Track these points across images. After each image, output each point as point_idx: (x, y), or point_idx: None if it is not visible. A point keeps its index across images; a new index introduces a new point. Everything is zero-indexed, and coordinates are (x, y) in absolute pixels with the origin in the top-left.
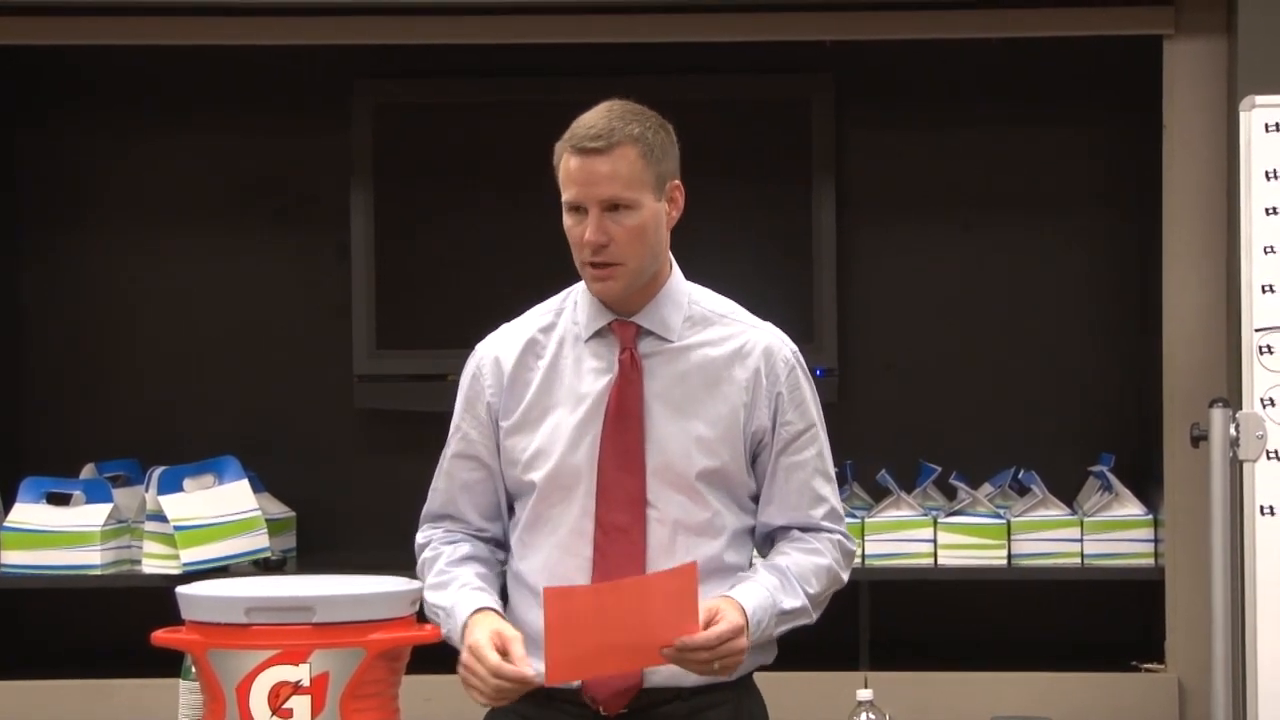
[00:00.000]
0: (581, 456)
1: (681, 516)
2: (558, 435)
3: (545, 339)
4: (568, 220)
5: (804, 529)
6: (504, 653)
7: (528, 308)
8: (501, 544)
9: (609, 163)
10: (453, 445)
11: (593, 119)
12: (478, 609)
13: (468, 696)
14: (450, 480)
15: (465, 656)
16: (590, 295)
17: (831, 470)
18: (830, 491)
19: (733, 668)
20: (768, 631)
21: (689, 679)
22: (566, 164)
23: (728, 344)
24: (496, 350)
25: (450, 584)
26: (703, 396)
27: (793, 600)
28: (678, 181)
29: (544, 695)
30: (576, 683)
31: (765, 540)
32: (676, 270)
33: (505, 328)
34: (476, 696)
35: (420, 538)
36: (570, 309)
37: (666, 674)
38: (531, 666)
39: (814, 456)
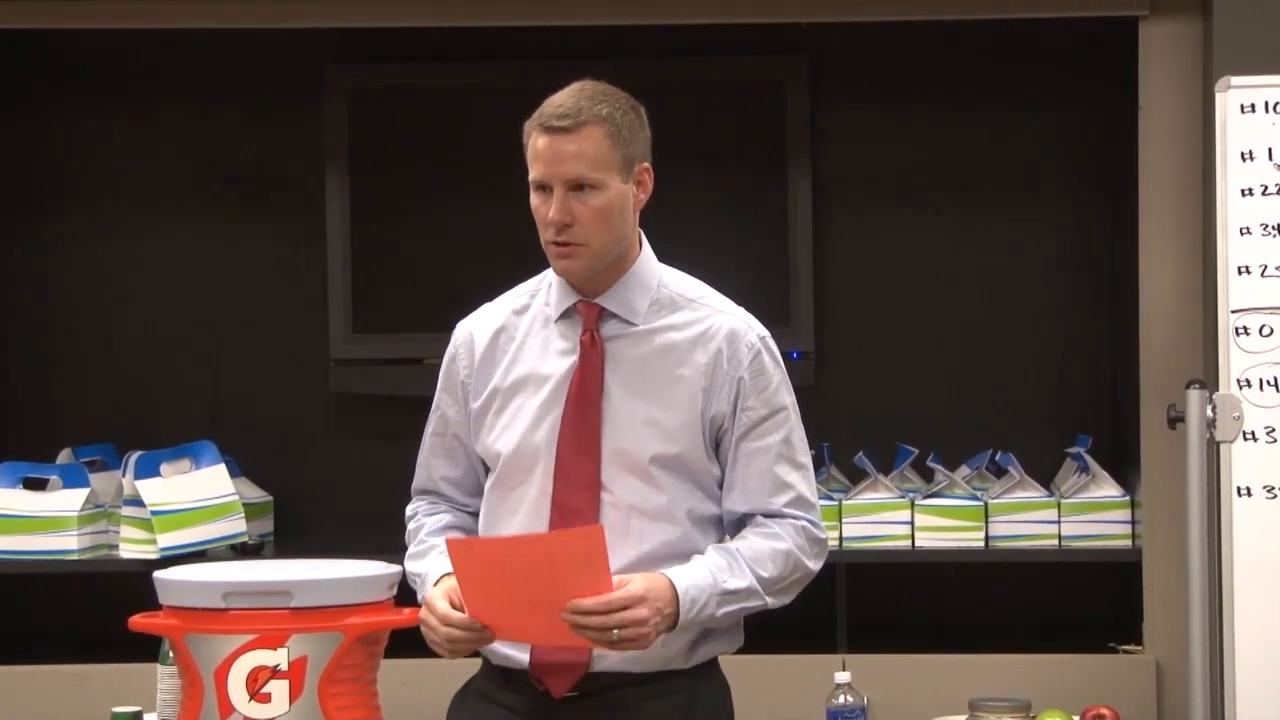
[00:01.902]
0: (541, 437)
1: (636, 501)
2: (521, 415)
3: (518, 320)
4: (534, 199)
5: (767, 515)
6: (458, 607)
7: (503, 291)
8: None
9: (575, 142)
10: (432, 424)
11: (562, 98)
12: (446, 573)
13: (437, 685)
14: (430, 457)
15: (422, 612)
16: (560, 276)
17: (801, 456)
18: (798, 478)
19: (637, 640)
20: (708, 611)
21: (640, 664)
22: (534, 142)
23: (692, 328)
24: (472, 330)
25: (429, 553)
26: (662, 381)
27: (738, 581)
28: (647, 165)
29: (502, 676)
30: (525, 663)
31: (734, 527)
32: (647, 253)
33: (484, 308)
34: (435, 648)
35: (409, 510)
36: (544, 290)
37: (615, 659)
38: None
39: (778, 443)
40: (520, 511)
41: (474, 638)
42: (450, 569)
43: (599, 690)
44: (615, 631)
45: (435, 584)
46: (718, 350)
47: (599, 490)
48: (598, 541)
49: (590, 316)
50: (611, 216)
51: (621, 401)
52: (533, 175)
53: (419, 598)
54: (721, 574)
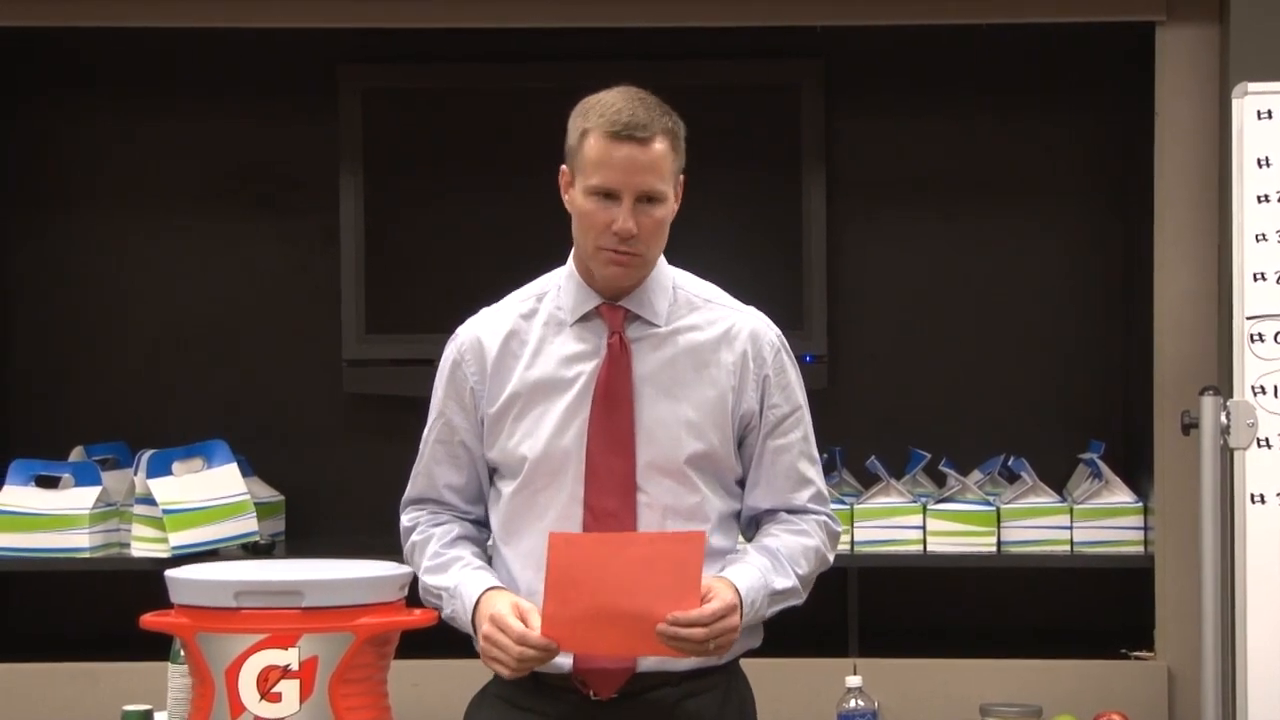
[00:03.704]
0: (570, 441)
1: (671, 501)
2: (545, 420)
3: (528, 324)
4: (590, 204)
5: (790, 511)
6: (524, 623)
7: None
8: (485, 524)
9: (650, 153)
10: (435, 431)
11: (627, 106)
12: (490, 587)
13: (448, 686)
14: (433, 465)
15: (488, 629)
16: (576, 279)
17: (816, 453)
18: (816, 474)
19: (727, 647)
20: (760, 612)
21: (680, 663)
22: (601, 149)
23: (714, 328)
24: (479, 335)
25: (450, 565)
26: (691, 380)
27: (784, 580)
28: (683, 176)
29: (532, 681)
30: (567, 667)
31: (750, 523)
32: (661, 256)
33: (486, 312)
34: (499, 668)
35: (406, 520)
36: (553, 293)
37: (658, 658)
38: None
39: (799, 439)
40: (548, 516)
41: (544, 657)
42: (493, 583)
43: (638, 691)
44: (711, 643)
45: (480, 599)
46: (743, 350)
47: (634, 491)
48: (698, 548)
49: (616, 319)
50: (665, 227)
51: (652, 402)
52: (598, 181)
53: (444, 611)
54: (769, 574)
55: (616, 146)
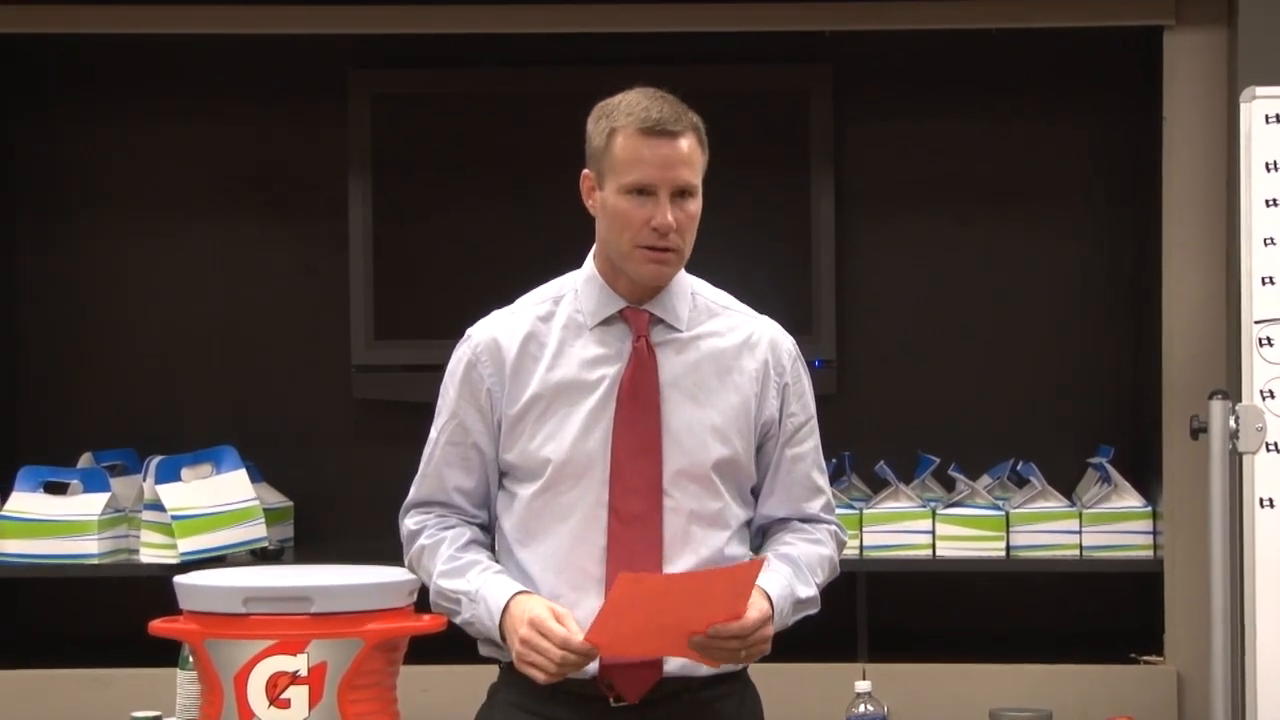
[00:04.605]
0: (594, 444)
1: (696, 507)
2: (568, 422)
3: (546, 327)
4: (626, 202)
5: (803, 520)
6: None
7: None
8: (490, 528)
9: (682, 148)
10: (446, 433)
11: (653, 104)
12: (519, 591)
13: (457, 692)
14: (443, 467)
15: (527, 632)
16: (598, 282)
17: (822, 461)
18: (825, 483)
19: (756, 656)
20: (785, 620)
21: (701, 669)
22: (634, 146)
23: (734, 334)
24: (495, 336)
25: (469, 569)
26: (715, 386)
27: (806, 589)
28: None
29: (549, 687)
30: (592, 671)
31: (759, 532)
32: None
33: (499, 314)
34: (535, 672)
35: (411, 524)
36: (571, 297)
37: (681, 662)
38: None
39: (813, 448)
40: (572, 518)
41: (583, 662)
42: (519, 587)
43: (658, 698)
44: (743, 652)
45: (510, 604)
46: (765, 357)
47: (661, 496)
48: (754, 574)
49: (640, 323)
50: (696, 223)
51: (678, 407)
52: (633, 178)
53: (461, 615)
54: (794, 582)
55: (650, 143)
